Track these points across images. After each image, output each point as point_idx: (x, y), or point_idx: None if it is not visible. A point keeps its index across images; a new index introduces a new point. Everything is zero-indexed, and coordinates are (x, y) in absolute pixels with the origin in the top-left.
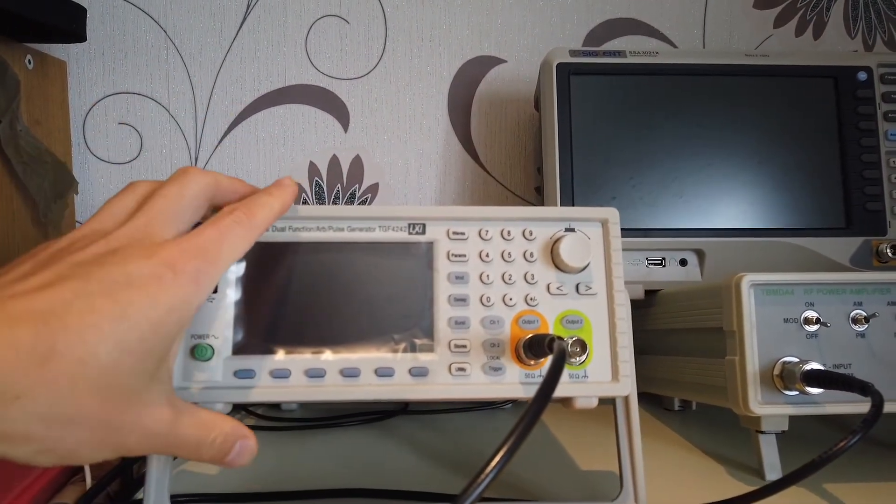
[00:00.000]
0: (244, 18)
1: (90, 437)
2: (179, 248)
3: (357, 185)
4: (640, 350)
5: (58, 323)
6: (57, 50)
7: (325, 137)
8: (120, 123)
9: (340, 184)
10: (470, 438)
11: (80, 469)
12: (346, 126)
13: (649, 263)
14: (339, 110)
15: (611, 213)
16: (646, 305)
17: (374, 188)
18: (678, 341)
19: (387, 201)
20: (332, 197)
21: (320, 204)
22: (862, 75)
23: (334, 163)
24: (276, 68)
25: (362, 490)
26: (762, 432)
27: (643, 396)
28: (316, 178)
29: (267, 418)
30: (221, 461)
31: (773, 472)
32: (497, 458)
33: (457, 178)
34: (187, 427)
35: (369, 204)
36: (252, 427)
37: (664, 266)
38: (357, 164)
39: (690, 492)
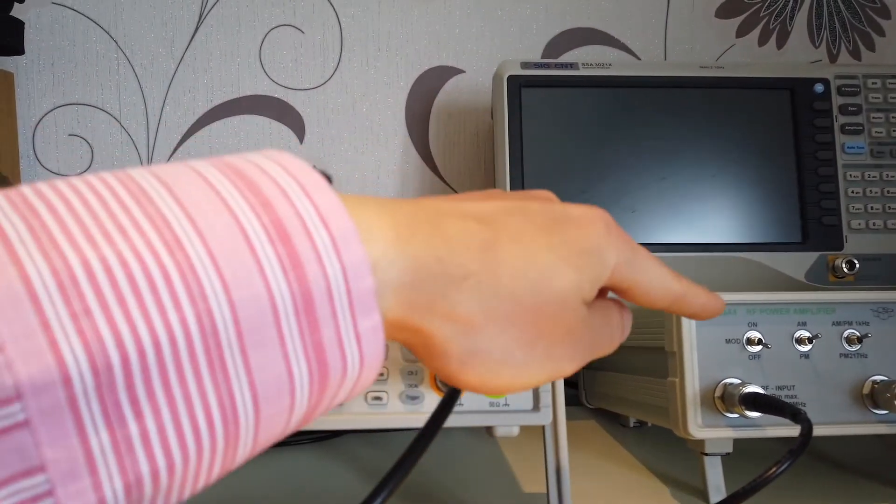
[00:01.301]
0: (196, 28)
1: (520, 338)
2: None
3: None
4: (595, 366)
5: (500, 224)
6: (5, 61)
7: (281, 148)
8: (70, 135)
9: None
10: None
11: None
12: (301, 137)
13: None
14: (294, 121)
15: None
16: None
17: None
18: (627, 359)
19: None
20: None
21: None
22: (819, 87)
23: None
24: (230, 79)
25: None
26: (706, 454)
27: (601, 412)
28: None
29: None
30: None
31: (717, 495)
32: (377, 495)
33: (415, 190)
34: (600, 329)
35: None
36: None
37: None
38: None
39: None
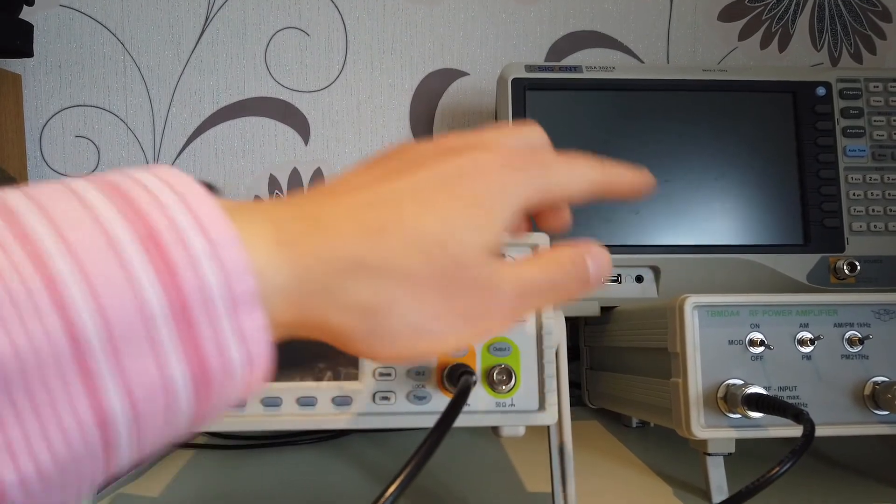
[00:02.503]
0: (203, 30)
1: (431, 310)
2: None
3: None
4: (597, 366)
5: (393, 204)
6: (12, 63)
7: (286, 150)
8: (77, 136)
9: None
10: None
11: None
12: (306, 139)
13: (605, 280)
14: (299, 123)
15: (541, 239)
16: (602, 322)
17: None
18: (630, 359)
19: None
20: None
21: None
22: (821, 90)
23: (295, 176)
24: (236, 81)
25: None
26: (709, 454)
27: (603, 412)
28: (276, 191)
29: (217, 436)
30: (588, 287)
31: (719, 495)
32: (387, 495)
33: None
34: (533, 272)
35: None
36: (201, 446)
37: (620, 283)
38: (318, 176)
39: None
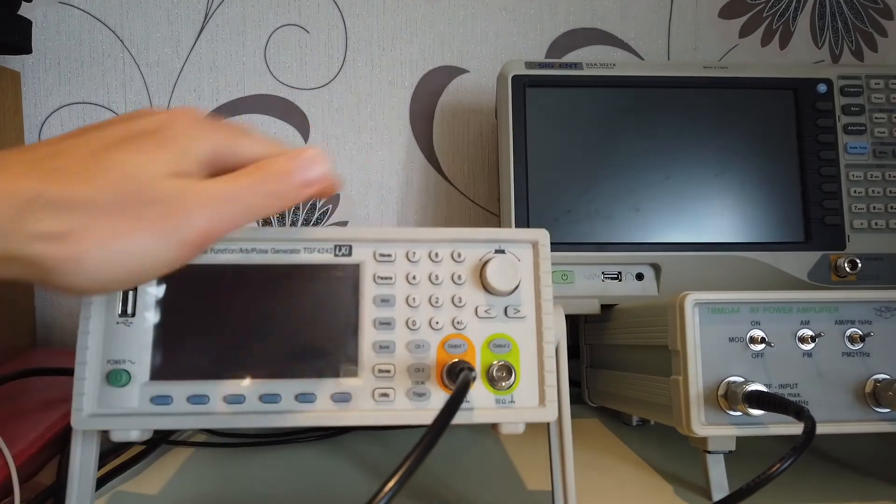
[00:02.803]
0: (202, 27)
1: (120, 231)
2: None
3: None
4: (597, 364)
5: (76, 152)
6: (11, 60)
7: None
8: None
9: None
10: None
11: (10, 492)
12: (306, 136)
13: (605, 277)
14: (299, 120)
15: (541, 235)
16: (602, 319)
17: (335, 199)
18: (630, 357)
19: (348, 213)
20: (292, 209)
21: (279, 217)
22: (822, 87)
23: None
24: (235, 78)
25: None
26: (709, 452)
27: (603, 410)
28: None
29: (216, 434)
30: (303, 191)
31: (720, 492)
32: (385, 490)
33: (419, 190)
34: (232, 184)
35: (330, 215)
36: (201, 444)
37: (620, 280)
38: None
39: None
